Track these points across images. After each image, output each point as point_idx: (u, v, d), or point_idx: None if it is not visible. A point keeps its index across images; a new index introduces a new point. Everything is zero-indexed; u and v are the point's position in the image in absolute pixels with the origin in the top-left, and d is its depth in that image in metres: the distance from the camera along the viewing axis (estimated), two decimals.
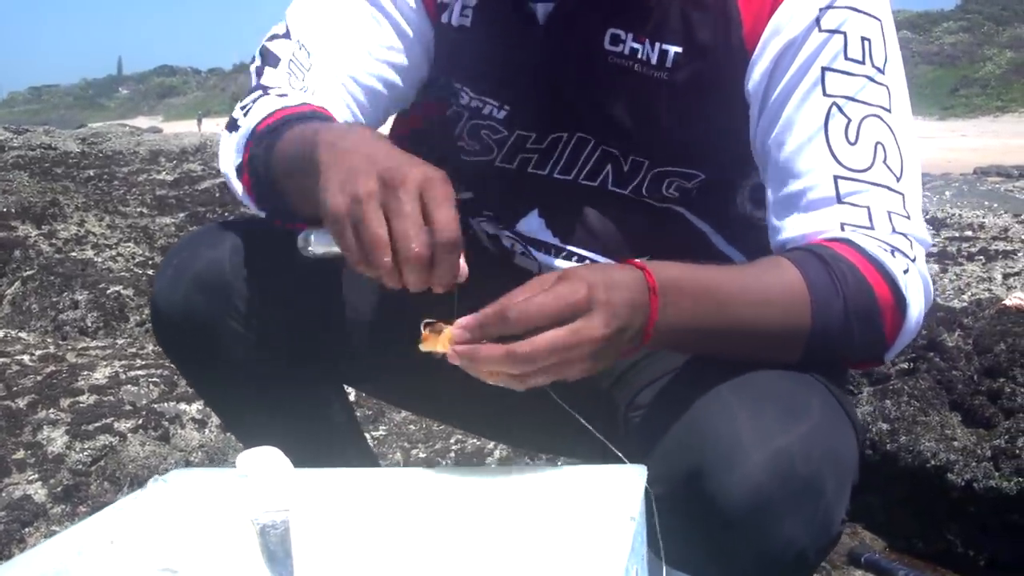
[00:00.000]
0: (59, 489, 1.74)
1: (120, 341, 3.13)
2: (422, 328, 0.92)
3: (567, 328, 0.88)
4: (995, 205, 5.40)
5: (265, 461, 0.91)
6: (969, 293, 2.79)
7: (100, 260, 3.81)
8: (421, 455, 2.20)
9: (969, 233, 3.49)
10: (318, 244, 0.97)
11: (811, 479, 0.92)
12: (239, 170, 1.17)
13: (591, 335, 0.88)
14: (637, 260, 0.96)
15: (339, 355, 1.30)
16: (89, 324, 3.34)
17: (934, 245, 3.13)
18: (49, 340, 3.13)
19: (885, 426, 2.18)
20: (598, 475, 0.95)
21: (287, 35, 1.28)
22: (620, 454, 0.97)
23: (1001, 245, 3.24)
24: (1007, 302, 2.40)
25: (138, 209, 4.52)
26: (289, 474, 0.90)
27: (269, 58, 1.27)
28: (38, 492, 1.73)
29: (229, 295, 1.19)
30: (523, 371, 0.89)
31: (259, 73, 1.26)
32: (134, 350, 2.73)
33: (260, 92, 1.22)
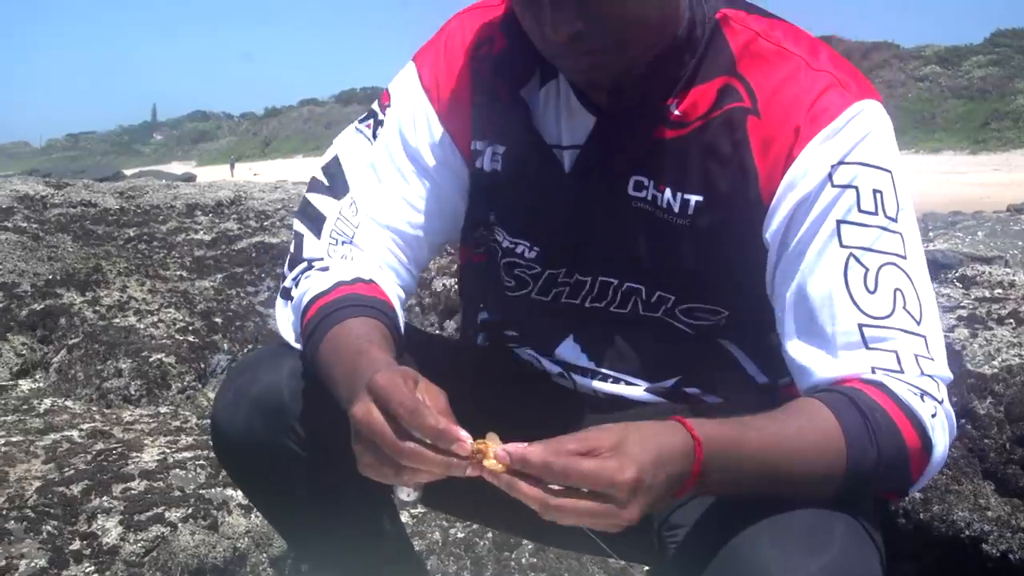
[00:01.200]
0: None
1: (163, 410, 3.20)
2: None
3: (604, 506, 0.94)
4: None
5: None
6: (1000, 359, 2.79)
7: (142, 327, 3.88)
8: (459, 535, 2.25)
9: (999, 292, 3.48)
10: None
11: None
12: (298, 335, 1.29)
13: (626, 517, 0.95)
14: (689, 422, 1.01)
15: None
16: (132, 392, 3.42)
17: (963, 307, 3.17)
18: (94, 409, 3.21)
19: (918, 495, 2.19)
20: None
21: (338, 189, 1.38)
22: None
23: None
24: None
25: (178, 272, 4.61)
26: None
27: (312, 218, 1.38)
28: None
29: (286, 417, 1.27)
30: (552, 516, 0.95)
31: (300, 239, 1.37)
32: (178, 423, 2.81)
33: (305, 265, 1.34)
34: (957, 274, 3.69)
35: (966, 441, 2.30)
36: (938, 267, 4.68)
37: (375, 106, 1.42)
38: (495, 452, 0.96)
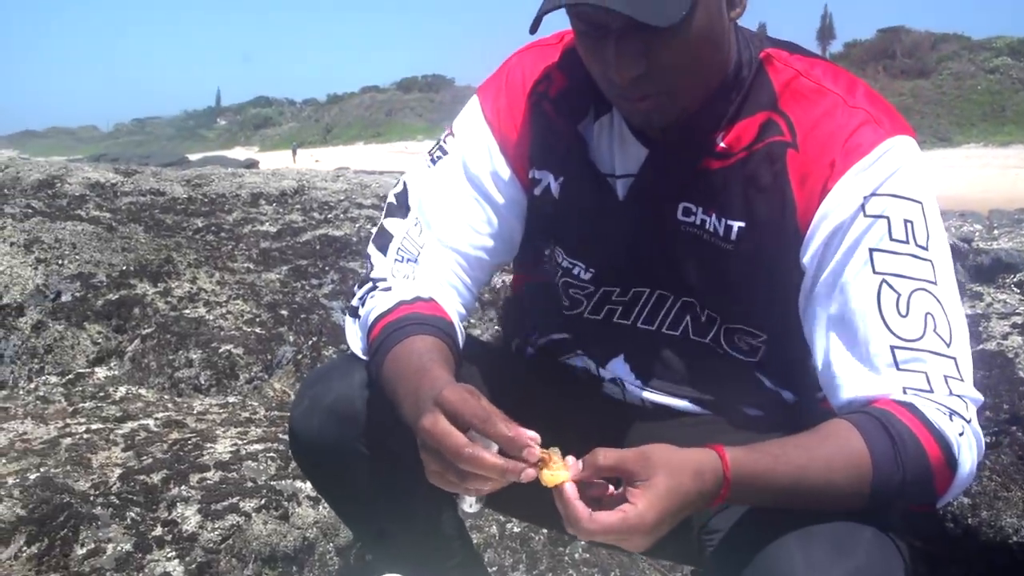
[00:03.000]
0: (194, 566, 1.93)
1: (232, 400, 3.33)
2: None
3: (620, 541, 1.06)
4: None
5: None
6: None
7: (211, 318, 4.01)
8: (516, 530, 2.34)
9: None
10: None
11: None
12: (365, 351, 1.39)
13: (638, 548, 1.07)
14: (727, 456, 1.10)
15: None
16: (202, 382, 3.55)
17: (1019, 313, 3.17)
18: (167, 398, 3.34)
19: (966, 500, 2.23)
20: None
21: (404, 211, 1.48)
22: None
23: None
24: None
25: (244, 264, 4.74)
26: None
27: (383, 239, 1.48)
28: (176, 569, 1.91)
29: (358, 423, 1.37)
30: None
31: (369, 264, 1.48)
32: (247, 414, 2.93)
33: (371, 286, 1.43)
34: (1015, 279, 3.69)
35: (1016, 448, 2.32)
36: (1001, 266, 4.64)
37: (441, 139, 1.53)
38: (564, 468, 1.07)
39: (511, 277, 1.72)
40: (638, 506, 1.04)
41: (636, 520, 1.03)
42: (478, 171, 1.47)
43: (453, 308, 1.42)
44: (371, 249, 1.49)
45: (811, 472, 1.13)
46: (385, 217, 1.50)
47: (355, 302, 1.44)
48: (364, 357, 1.40)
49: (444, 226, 1.46)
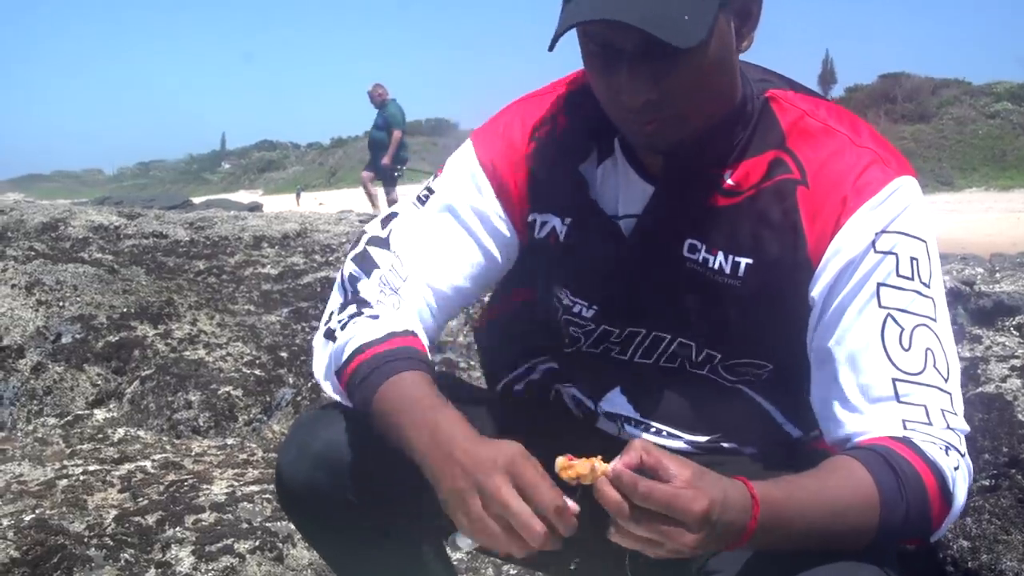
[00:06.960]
0: None
1: (230, 442, 3.33)
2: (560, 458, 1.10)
3: (671, 528, 1.02)
4: None
5: None
6: None
7: (211, 360, 4.01)
8: (512, 572, 2.32)
9: None
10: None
11: None
12: (337, 375, 1.35)
13: (687, 543, 1.03)
14: (751, 484, 1.09)
15: (440, 517, 1.46)
16: (201, 424, 3.54)
17: (1017, 356, 3.18)
18: (165, 439, 3.34)
19: (966, 544, 2.21)
20: None
21: (387, 244, 1.46)
22: None
23: None
24: None
25: (245, 307, 4.76)
26: None
27: (367, 264, 1.45)
28: None
29: (345, 471, 1.36)
30: (625, 525, 1.04)
31: (354, 281, 1.44)
32: (244, 456, 2.92)
33: (355, 309, 1.40)
34: (1014, 323, 3.67)
35: (1015, 492, 2.31)
36: (1003, 309, 4.64)
37: (431, 179, 1.53)
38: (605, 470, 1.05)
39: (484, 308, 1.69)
40: (688, 491, 1.02)
41: (687, 500, 1.01)
42: (466, 212, 1.46)
43: (425, 343, 1.40)
44: (353, 267, 1.46)
45: (826, 502, 1.14)
46: (368, 244, 1.48)
47: (333, 324, 1.40)
48: (325, 381, 1.37)
49: (424, 263, 1.44)
